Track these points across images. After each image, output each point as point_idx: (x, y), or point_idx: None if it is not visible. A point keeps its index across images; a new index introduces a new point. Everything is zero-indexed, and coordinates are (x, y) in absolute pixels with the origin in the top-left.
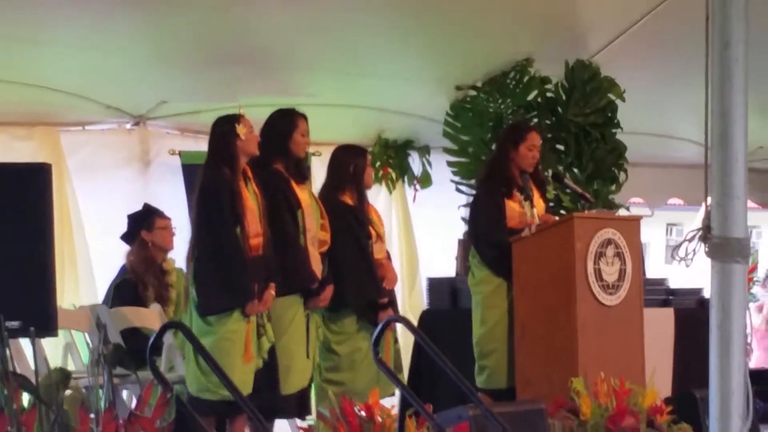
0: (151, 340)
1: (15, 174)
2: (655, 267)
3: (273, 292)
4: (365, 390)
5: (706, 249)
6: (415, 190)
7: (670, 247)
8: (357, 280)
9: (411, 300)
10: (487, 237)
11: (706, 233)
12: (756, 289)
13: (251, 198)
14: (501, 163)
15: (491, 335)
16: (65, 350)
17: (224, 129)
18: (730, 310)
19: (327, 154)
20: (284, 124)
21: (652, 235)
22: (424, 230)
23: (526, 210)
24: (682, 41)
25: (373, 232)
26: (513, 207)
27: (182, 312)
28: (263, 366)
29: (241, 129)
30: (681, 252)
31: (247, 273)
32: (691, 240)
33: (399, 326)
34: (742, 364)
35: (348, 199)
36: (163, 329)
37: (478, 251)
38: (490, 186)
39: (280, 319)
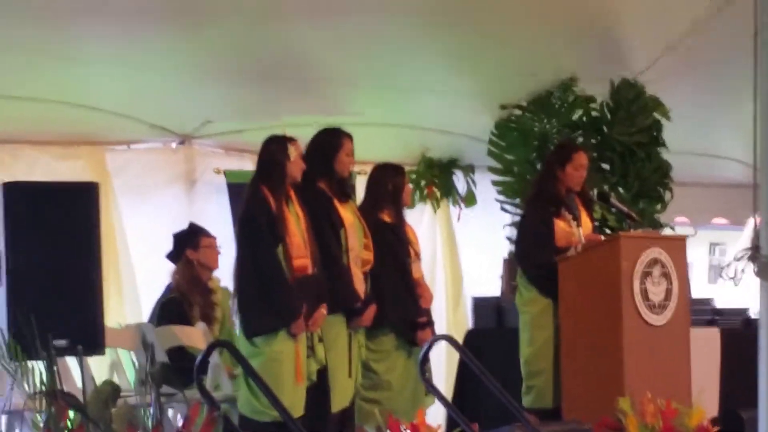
0: (199, 359)
1: (63, 193)
2: (699, 287)
3: (324, 312)
4: (401, 409)
5: (755, 269)
6: (460, 209)
7: (713, 266)
8: (397, 298)
9: (455, 319)
10: (534, 257)
11: (755, 253)
12: None
13: (293, 219)
14: (548, 183)
15: (539, 355)
16: (111, 369)
17: (275, 148)
18: None
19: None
20: (330, 143)
21: (696, 255)
22: (468, 249)
23: (573, 229)
24: (727, 59)
25: (411, 251)
26: (561, 227)
27: (227, 331)
28: (314, 386)
29: (292, 151)
30: (730, 272)
31: (289, 293)
32: (739, 259)
33: (443, 346)
34: None
35: (387, 217)
36: (211, 348)
37: (525, 271)
38: (538, 205)
39: (324, 338)
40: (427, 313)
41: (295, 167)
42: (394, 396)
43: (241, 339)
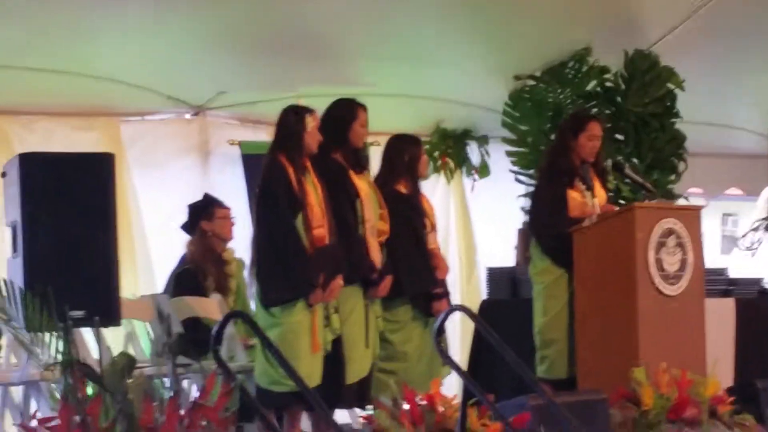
0: (215, 329)
1: (79, 164)
2: (712, 257)
3: (341, 282)
4: (417, 379)
5: None
6: (474, 180)
7: (726, 237)
8: (413, 269)
9: (469, 289)
10: (548, 227)
11: None
12: None
13: (311, 189)
14: (562, 153)
15: (553, 325)
16: (126, 340)
17: (293, 118)
18: None
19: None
20: (344, 114)
21: (708, 226)
22: (482, 220)
23: (587, 200)
24: (742, 30)
25: (427, 222)
26: (574, 197)
27: (242, 302)
28: (329, 356)
29: (309, 122)
30: (746, 242)
31: (307, 263)
32: (756, 230)
33: (458, 317)
34: None
35: (403, 189)
36: (227, 319)
37: (539, 241)
38: (551, 176)
39: (341, 308)
40: (443, 284)
41: (312, 138)
42: (410, 367)
43: (259, 309)
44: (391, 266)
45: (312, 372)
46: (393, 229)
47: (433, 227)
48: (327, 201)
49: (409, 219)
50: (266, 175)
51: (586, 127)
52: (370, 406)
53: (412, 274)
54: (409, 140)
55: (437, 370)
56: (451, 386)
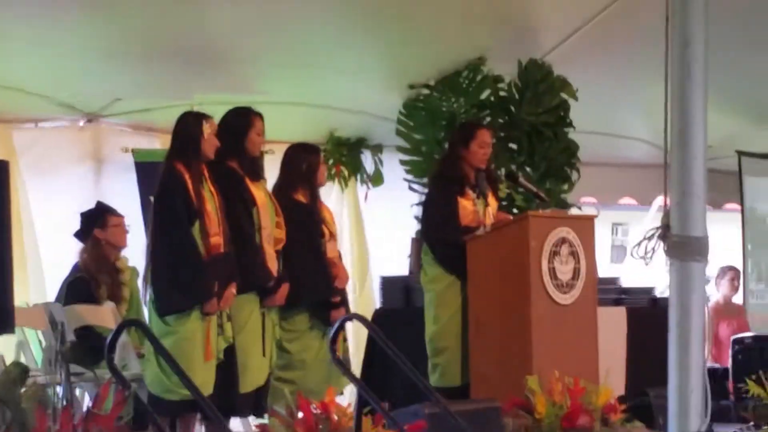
0: (110, 337)
1: None
2: (602, 266)
3: (234, 291)
4: (316, 388)
5: (665, 248)
6: (368, 188)
7: (616, 246)
8: (310, 278)
9: (361, 299)
10: (440, 235)
11: (665, 232)
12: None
13: (208, 197)
14: (453, 161)
15: (444, 333)
16: (18, 348)
17: (190, 124)
18: (689, 308)
19: (279, 152)
20: (240, 123)
21: (598, 235)
22: (376, 229)
23: (478, 208)
24: (635, 41)
25: (326, 231)
26: (465, 205)
27: (135, 310)
28: (222, 365)
29: (206, 128)
30: (640, 250)
31: (203, 272)
32: (650, 238)
33: (349, 325)
34: (701, 362)
35: (301, 197)
36: (122, 327)
37: (431, 249)
38: (442, 184)
39: (236, 317)
40: (342, 292)
41: (209, 145)
42: (309, 375)
43: (153, 317)
44: (287, 275)
45: (205, 380)
46: (290, 238)
47: (333, 235)
48: (223, 209)
49: (306, 227)
50: (163, 183)
51: (475, 135)
52: (266, 415)
53: (310, 282)
54: (308, 149)
55: (336, 379)
56: (353, 396)
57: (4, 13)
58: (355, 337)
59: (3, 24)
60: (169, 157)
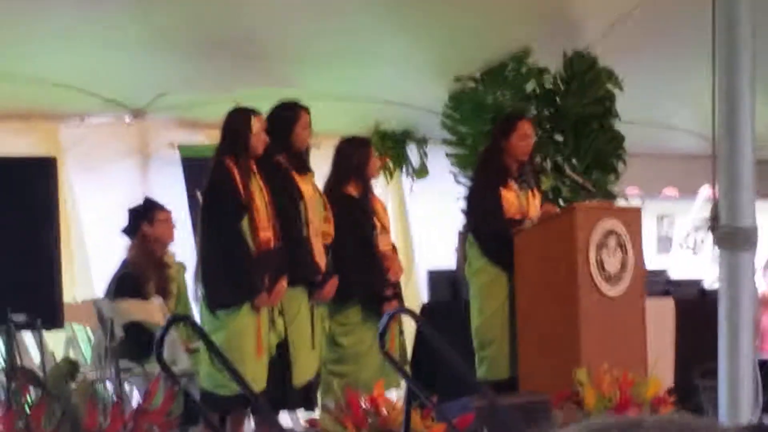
0: (159, 333)
1: (22, 168)
2: (647, 258)
3: (285, 285)
4: (369, 382)
5: (714, 238)
6: (412, 181)
7: (662, 237)
8: (361, 271)
9: (408, 292)
10: (484, 227)
11: (714, 223)
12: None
13: (257, 192)
14: (494, 154)
15: (489, 325)
16: (67, 344)
17: (239, 120)
18: (738, 299)
19: (325, 145)
20: (287, 117)
21: (643, 227)
22: (421, 222)
23: (521, 200)
24: (680, 29)
25: (378, 224)
26: (508, 197)
27: (183, 305)
28: (274, 360)
29: (255, 124)
30: (689, 241)
31: (253, 266)
32: (698, 230)
33: (404, 318)
34: (750, 353)
35: (353, 191)
36: (170, 322)
37: (476, 241)
38: (484, 176)
39: (286, 311)
40: (395, 286)
41: (258, 140)
42: (362, 368)
43: (204, 313)
44: (338, 269)
45: (257, 375)
46: (341, 232)
47: (385, 228)
48: (272, 204)
49: (358, 221)
50: (212, 178)
51: (515, 127)
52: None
53: (361, 276)
54: (358, 142)
55: (390, 372)
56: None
57: (50, 10)
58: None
59: (48, 21)
60: (219, 153)
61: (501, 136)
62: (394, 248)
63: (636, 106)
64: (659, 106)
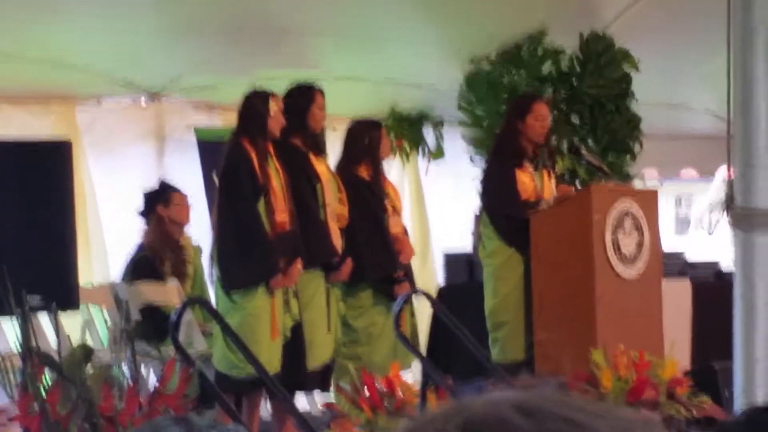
0: (174, 316)
1: (37, 150)
2: (666, 239)
3: (300, 267)
4: (382, 364)
5: (730, 219)
6: (428, 162)
7: (680, 219)
8: (373, 253)
9: (423, 274)
10: (499, 208)
11: (729, 204)
12: None
13: (274, 174)
14: (509, 135)
15: (503, 307)
16: (84, 327)
17: (257, 102)
18: (753, 280)
19: (341, 127)
20: (303, 99)
21: (662, 208)
22: (438, 204)
23: (536, 182)
24: (697, 10)
25: (389, 206)
26: (523, 179)
27: (199, 287)
28: (289, 342)
29: (272, 106)
30: (704, 222)
31: (269, 248)
32: (713, 211)
33: (417, 300)
34: (766, 334)
35: (364, 173)
36: (186, 305)
37: (490, 222)
38: (499, 157)
39: (302, 293)
40: (406, 267)
41: (276, 122)
42: (375, 350)
43: (219, 294)
44: (350, 250)
45: (271, 358)
46: (353, 214)
47: (396, 210)
48: (289, 186)
49: (369, 203)
50: (228, 160)
51: (531, 108)
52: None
53: (373, 258)
54: (369, 124)
55: (403, 355)
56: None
57: None
58: (418, 313)
59: (65, 2)
60: (236, 135)
61: (517, 117)
62: (404, 231)
63: (653, 87)
64: (677, 87)
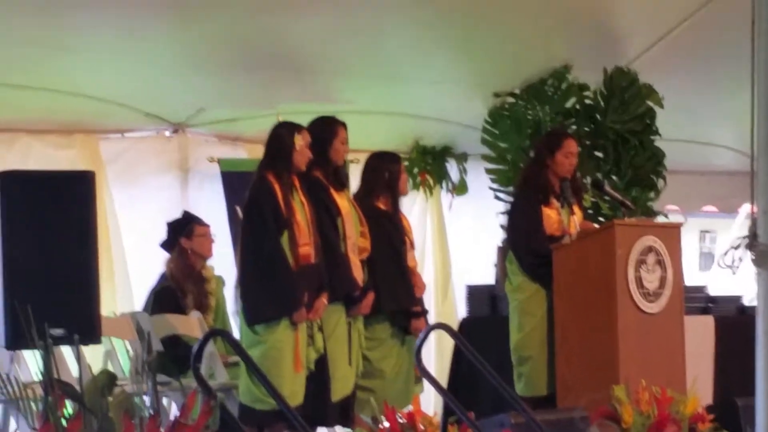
0: (196, 347)
1: (60, 182)
2: (690, 274)
3: (325, 301)
4: (394, 397)
5: (753, 257)
6: (452, 197)
7: (704, 254)
8: (393, 287)
9: (444, 308)
10: (525, 244)
11: (752, 241)
12: None
13: (298, 207)
14: (537, 171)
15: (528, 342)
16: (105, 358)
17: (282, 135)
18: None
19: (365, 161)
20: (325, 132)
21: (686, 242)
22: (461, 238)
23: (563, 217)
24: (721, 47)
25: (406, 240)
26: (550, 214)
27: (222, 319)
28: (313, 375)
29: (299, 140)
30: (727, 259)
31: (292, 282)
32: (737, 248)
33: (434, 334)
34: None
35: (382, 206)
36: (208, 336)
37: (516, 258)
38: (527, 193)
39: (324, 326)
40: (421, 302)
41: (301, 156)
42: (387, 384)
43: (243, 327)
44: (372, 283)
45: (295, 391)
46: (374, 246)
47: (412, 245)
48: (314, 219)
49: (389, 236)
50: (253, 193)
51: (562, 144)
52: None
53: (392, 291)
54: (389, 158)
55: (412, 388)
56: (428, 405)
57: (92, 25)
58: (439, 346)
59: (90, 35)
60: (261, 168)
61: (547, 152)
62: (416, 265)
63: (677, 123)
64: (700, 124)
